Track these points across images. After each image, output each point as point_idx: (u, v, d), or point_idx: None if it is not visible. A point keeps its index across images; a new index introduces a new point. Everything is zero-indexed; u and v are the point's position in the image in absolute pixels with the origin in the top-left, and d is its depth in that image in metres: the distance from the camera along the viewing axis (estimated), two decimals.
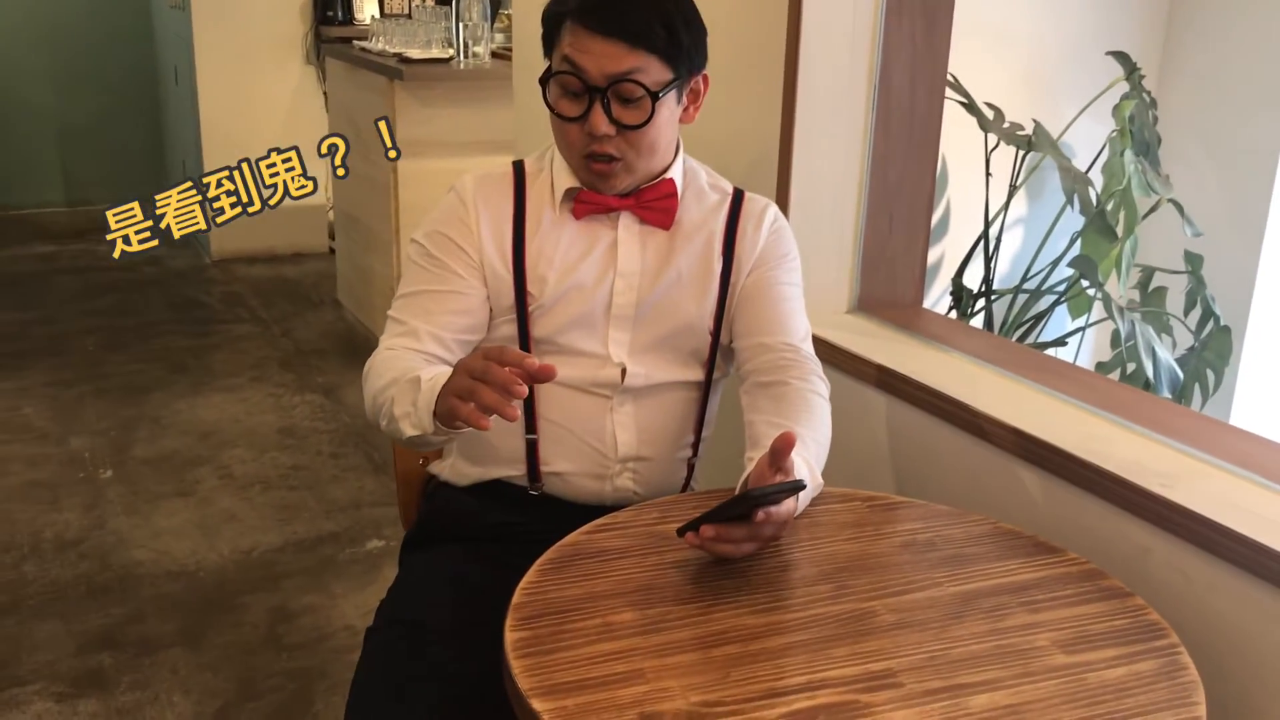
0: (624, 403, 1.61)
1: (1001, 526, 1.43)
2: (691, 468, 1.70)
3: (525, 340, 1.58)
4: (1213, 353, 2.55)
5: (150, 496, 3.31)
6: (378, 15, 5.27)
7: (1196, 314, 2.66)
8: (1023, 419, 1.58)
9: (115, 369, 4.26)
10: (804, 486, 1.29)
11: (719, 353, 1.65)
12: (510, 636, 1.15)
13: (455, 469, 1.68)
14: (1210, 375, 2.52)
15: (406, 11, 5.23)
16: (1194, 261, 2.68)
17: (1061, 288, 2.63)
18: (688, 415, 1.66)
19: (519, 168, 1.63)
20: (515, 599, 1.21)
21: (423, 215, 1.65)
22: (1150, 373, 2.31)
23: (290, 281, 5.40)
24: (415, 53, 4.11)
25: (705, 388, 1.66)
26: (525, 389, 1.21)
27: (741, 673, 1.10)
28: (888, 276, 2.00)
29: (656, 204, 1.59)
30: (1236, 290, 2.87)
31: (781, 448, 1.28)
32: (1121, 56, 2.70)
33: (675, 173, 1.60)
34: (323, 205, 5.60)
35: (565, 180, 1.58)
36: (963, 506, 1.54)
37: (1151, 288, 2.75)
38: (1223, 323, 2.60)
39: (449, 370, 1.33)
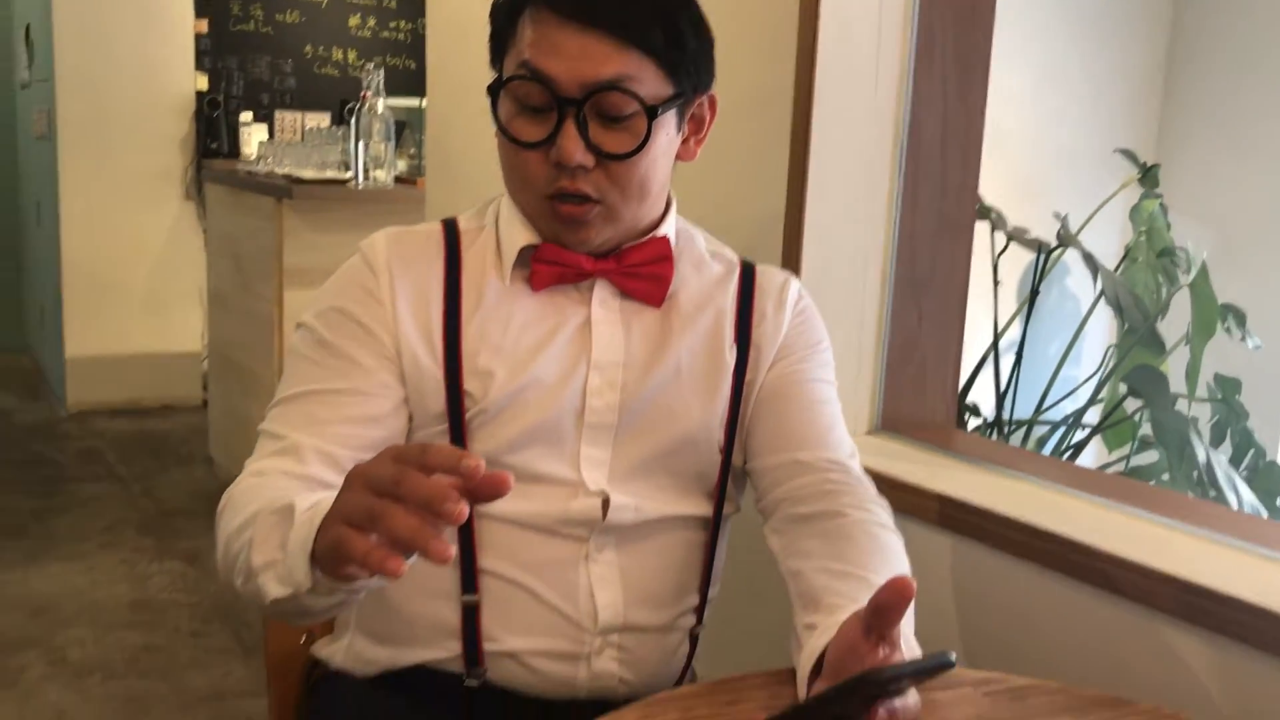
0: (604, 548, 1.12)
1: None
2: (695, 641, 1.21)
3: None
4: (1259, 492, 2.17)
5: None
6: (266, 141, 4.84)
7: (1227, 449, 2.29)
8: (1175, 564, 1.12)
9: None
10: (953, 664, 0.80)
11: (730, 478, 1.18)
12: None
13: (353, 652, 1.16)
14: None
15: (299, 139, 4.82)
16: (1227, 387, 2.32)
17: (1086, 415, 2.24)
18: (690, 566, 1.18)
19: (450, 226, 1.18)
20: None
21: None
22: (1236, 509, 1.91)
23: (156, 436, 4.78)
24: (308, 173, 3.68)
25: (714, 527, 1.19)
26: (464, 508, 0.72)
27: None
28: (916, 387, 1.57)
29: (644, 270, 1.15)
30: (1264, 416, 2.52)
31: (893, 603, 0.81)
32: (1129, 155, 2.40)
33: (668, 229, 1.16)
34: (196, 353, 5.03)
35: (519, 236, 1.13)
36: (1087, 685, 1.07)
37: None
38: (1269, 457, 2.23)
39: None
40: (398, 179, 3.79)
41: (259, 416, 1.11)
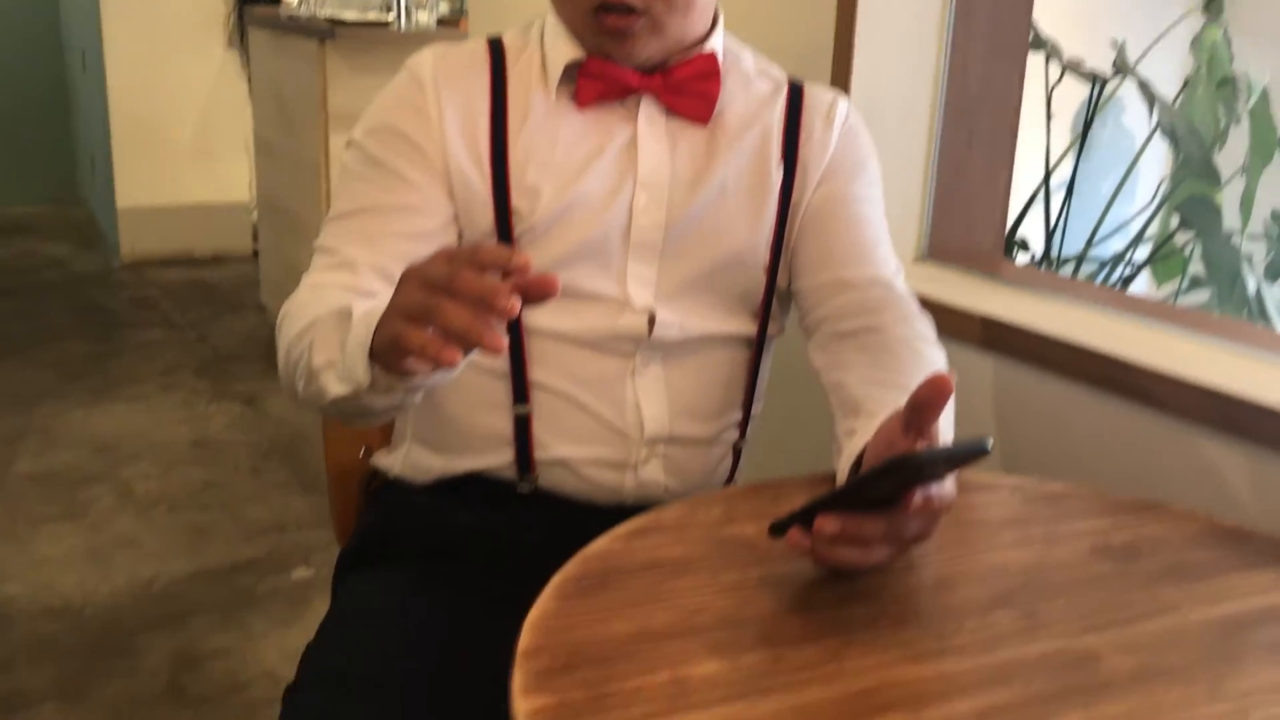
0: (650, 362, 1.15)
1: (1220, 523, 0.98)
2: (738, 455, 1.25)
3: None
4: None
5: (32, 519, 2.77)
6: None
7: None
8: (1216, 377, 1.13)
9: None
10: (988, 450, 0.82)
11: (775, 299, 1.20)
12: (522, 705, 0.68)
13: (410, 461, 1.21)
14: None
15: None
16: None
17: (1134, 250, 2.22)
18: (734, 382, 1.20)
19: (495, 43, 1.18)
20: (524, 641, 0.74)
21: None
22: None
23: (209, 285, 4.87)
24: (350, 15, 3.65)
25: (757, 346, 1.21)
26: (515, 302, 0.75)
27: None
28: (964, 215, 1.56)
29: (690, 86, 1.15)
30: None
31: (932, 399, 0.83)
32: None
33: (715, 45, 1.16)
34: (245, 203, 5.08)
35: (564, 52, 1.14)
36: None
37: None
38: None
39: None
40: (440, 20, 3.78)
41: (307, 261, 1.13)
